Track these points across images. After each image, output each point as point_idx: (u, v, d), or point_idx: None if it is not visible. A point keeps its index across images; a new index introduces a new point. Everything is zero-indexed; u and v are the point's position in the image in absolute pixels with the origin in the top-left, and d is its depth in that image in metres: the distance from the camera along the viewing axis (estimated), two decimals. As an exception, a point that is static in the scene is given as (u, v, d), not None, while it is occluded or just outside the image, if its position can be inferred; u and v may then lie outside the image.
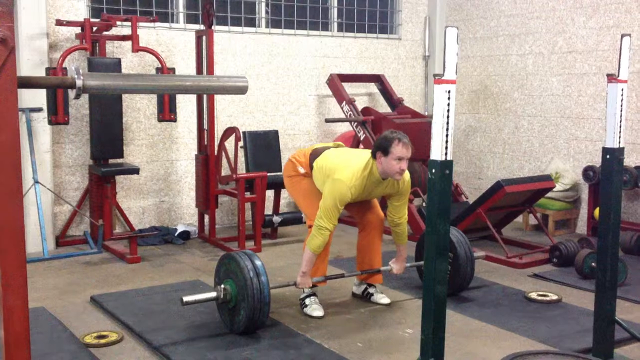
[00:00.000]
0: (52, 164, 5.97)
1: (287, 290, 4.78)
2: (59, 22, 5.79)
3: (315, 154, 4.41)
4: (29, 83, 2.37)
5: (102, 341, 3.85)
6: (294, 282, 4.25)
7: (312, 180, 4.39)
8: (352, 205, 4.47)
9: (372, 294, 4.61)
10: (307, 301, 4.37)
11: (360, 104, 7.16)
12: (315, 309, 4.31)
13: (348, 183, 4.07)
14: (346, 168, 4.13)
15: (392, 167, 4.04)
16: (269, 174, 6.18)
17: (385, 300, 4.56)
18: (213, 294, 3.92)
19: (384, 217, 4.55)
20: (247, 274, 3.80)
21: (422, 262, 4.34)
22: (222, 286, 3.91)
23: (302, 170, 4.45)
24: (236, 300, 3.85)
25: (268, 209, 6.58)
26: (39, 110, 5.73)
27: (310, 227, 4.26)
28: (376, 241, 4.57)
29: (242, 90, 2.79)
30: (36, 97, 5.61)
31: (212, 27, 6.03)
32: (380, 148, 4.05)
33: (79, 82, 2.30)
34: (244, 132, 6.43)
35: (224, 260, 4.02)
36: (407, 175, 4.28)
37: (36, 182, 5.65)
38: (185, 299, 3.83)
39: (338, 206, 4.09)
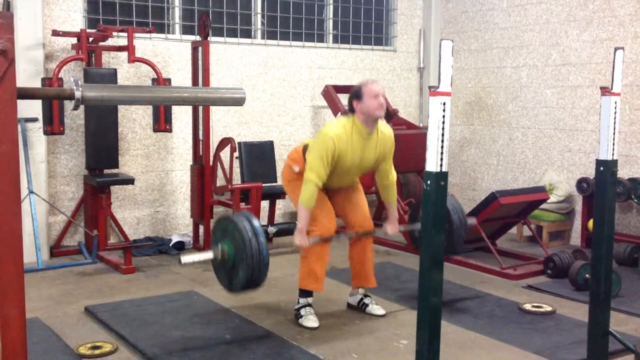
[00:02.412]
0: (47, 174, 5.97)
1: (282, 300, 4.79)
2: (55, 33, 5.81)
3: (306, 147, 4.42)
4: (28, 94, 2.39)
5: (97, 352, 3.84)
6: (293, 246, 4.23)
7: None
8: (343, 201, 4.45)
9: (367, 305, 4.59)
10: (302, 312, 4.36)
11: (355, 115, 7.18)
12: (310, 320, 4.31)
13: (330, 133, 4.10)
14: (329, 124, 4.25)
15: (370, 105, 4.08)
16: (264, 185, 6.19)
17: (380, 311, 4.55)
18: (211, 255, 3.77)
19: (373, 225, 4.55)
20: (245, 234, 3.64)
21: (417, 225, 4.41)
22: (220, 246, 3.75)
23: (297, 169, 4.39)
24: (234, 260, 3.70)
25: (263, 220, 6.58)
26: (35, 120, 5.73)
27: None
28: (368, 249, 4.57)
29: (239, 102, 2.81)
30: (31, 107, 5.62)
31: (208, 38, 6.06)
32: (354, 96, 4.16)
33: (77, 94, 2.31)
34: (239, 143, 6.45)
35: (221, 222, 3.87)
36: (389, 130, 4.34)
37: (31, 192, 5.65)
38: (184, 259, 3.69)
39: (323, 158, 4.07)
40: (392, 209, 4.53)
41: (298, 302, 4.41)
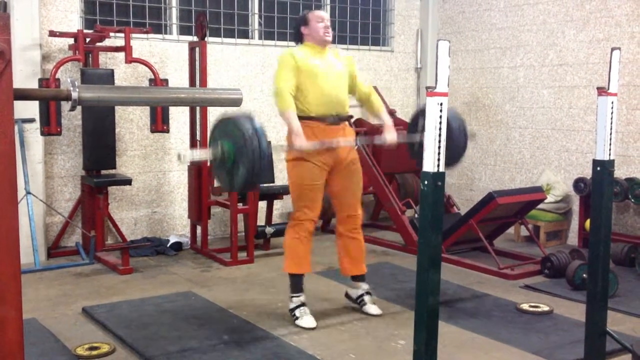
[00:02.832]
0: (44, 174, 5.96)
1: (280, 301, 4.78)
2: (52, 33, 5.80)
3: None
4: (25, 95, 2.38)
5: (94, 353, 3.84)
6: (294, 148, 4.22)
7: (304, 168, 4.32)
8: (340, 182, 4.42)
9: (365, 303, 4.58)
10: (297, 312, 4.36)
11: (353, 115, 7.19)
12: (306, 320, 4.30)
13: (284, 51, 4.33)
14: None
15: (317, 29, 4.31)
16: (261, 185, 6.19)
17: (376, 311, 4.55)
18: (209, 154, 3.71)
19: (359, 221, 4.53)
20: (244, 129, 3.61)
21: (417, 136, 4.30)
22: (220, 145, 3.66)
23: (287, 147, 4.37)
24: (234, 157, 3.63)
25: (261, 220, 6.58)
26: (32, 121, 5.73)
27: (292, 219, 4.37)
28: (357, 240, 4.54)
29: (236, 103, 2.81)
30: (29, 108, 5.62)
31: (206, 39, 6.06)
32: (300, 23, 4.39)
33: (74, 95, 2.31)
34: (236, 143, 6.43)
35: (219, 123, 3.79)
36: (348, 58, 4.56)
37: (28, 192, 5.64)
38: (183, 154, 3.68)
39: (285, 67, 4.24)
40: (383, 115, 4.52)
41: (291, 301, 4.40)
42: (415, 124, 4.62)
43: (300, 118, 4.28)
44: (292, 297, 4.41)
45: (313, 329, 4.26)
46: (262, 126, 3.64)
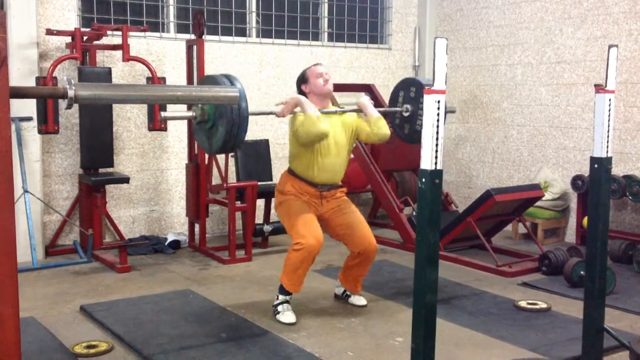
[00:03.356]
0: (41, 173, 5.95)
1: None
2: (49, 32, 5.79)
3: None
4: (21, 93, 2.37)
5: (92, 351, 3.84)
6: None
7: (290, 201, 4.40)
8: (341, 226, 4.47)
9: (349, 295, 4.73)
10: (279, 308, 4.40)
11: (351, 113, 7.18)
12: (287, 316, 4.34)
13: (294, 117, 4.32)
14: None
15: (317, 84, 4.39)
16: (259, 183, 6.19)
17: (361, 301, 4.68)
18: (191, 113, 3.76)
19: (377, 247, 4.55)
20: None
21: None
22: (200, 105, 3.73)
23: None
24: (214, 118, 3.68)
25: (259, 218, 6.58)
26: (29, 119, 5.72)
27: (295, 244, 4.29)
28: (367, 266, 4.62)
29: (233, 101, 2.80)
30: (26, 106, 5.60)
31: (203, 37, 6.05)
32: (301, 82, 4.47)
33: (70, 93, 2.31)
34: (234, 142, 6.42)
35: (202, 82, 3.89)
36: (352, 115, 4.53)
37: (26, 191, 5.64)
38: (164, 114, 3.70)
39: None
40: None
41: (277, 298, 4.44)
42: (396, 98, 4.90)
43: (294, 175, 4.44)
44: (279, 295, 4.47)
45: (293, 324, 4.28)
46: (243, 89, 3.66)
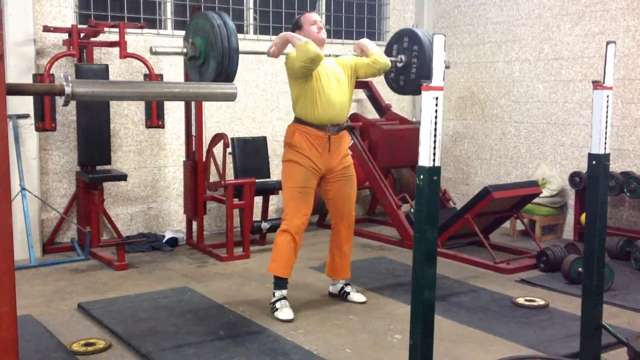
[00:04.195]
0: (39, 170, 5.94)
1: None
2: (46, 29, 5.78)
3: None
4: (18, 90, 2.37)
5: (90, 349, 3.84)
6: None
7: (295, 170, 4.40)
8: (336, 193, 4.52)
9: (348, 293, 4.73)
10: (277, 305, 4.41)
11: (348, 110, 7.18)
12: (284, 313, 4.35)
13: (290, 55, 4.31)
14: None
15: (311, 31, 4.41)
16: (257, 180, 6.18)
17: (361, 298, 4.69)
18: (184, 49, 3.84)
19: (354, 220, 4.66)
20: (214, 22, 3.71)
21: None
22: (191, 41, 3.81)
23: (288, 144, 4.48)
24: (205, 54, 3.74)
25: (256, 215, 6.58)
26: (26, 116, 5.71)
27: (283, 220, 4.41)
28: (345, 243, 4.67)
29: (231, 98, 2.79)
30: (23, 104, 5.59)
31: (200, 34, 6.03)
32: (295, 28, 4.47)
33: (67, 90, 2.30)
34: (232, 139, 6.43)
35: (192, 20, 3.93)
36: (348, 56, 4.58)
37: (23, 189, 5.62)
38: (155, 48, 3.74)
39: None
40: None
41: (273, 295, 4.47)
42: (390, 52, 4.96)
43: (300, 123, 4.45)
44: (275, 291, 4.49)
45: (291, 320, 4.30)
46: (234, 26, 3.76)
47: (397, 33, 5.09)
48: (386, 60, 4.54)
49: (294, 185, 4.41)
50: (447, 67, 5.48)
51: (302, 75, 4.30)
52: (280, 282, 4.46)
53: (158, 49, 3.79)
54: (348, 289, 4.75)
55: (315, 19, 4.46)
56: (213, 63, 3.69)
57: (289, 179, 4.44)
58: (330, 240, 4.72)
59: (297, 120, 4.49)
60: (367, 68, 4.52)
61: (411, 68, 4.82)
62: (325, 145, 4.42)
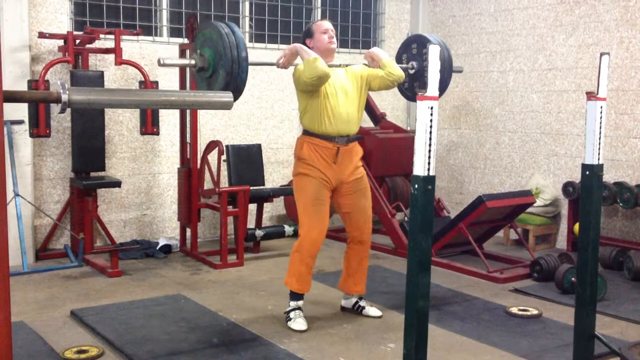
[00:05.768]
0: (33, 176, 5.93)
1: (270, 304, 4.78)
2: (42, 35, 5.77)
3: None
4: (14, 97, 2.37)
5: (83, 356, 3.82)
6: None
7: (307, 182, 4.33)
8: (350, 205, 4.45)
9: (363, 307, 4.61)
10: (291, 315, 4.38)
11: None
12: (298, 323, 4.31)
13: (299, 67, 4.25)
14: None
15: (322, 40, 4.34)
16: (251, 188, 6.18)
17: (377, 312, 4.59)
18: (192, 61, 3.78)
19: (370, 232, 4.58)
20: (222, 31, 3.68)
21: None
22: (199, 52, 3.76)
23: (299, 158, 4.39)
24: (214, 65, 3.69)
25: (251, 223, 6.57)
26: (20, 122, 5.70)
27: (299, 236, 4.33)
28: (365, 257, 4.59)
29: (227, 106, 2.80)
30: (18, 110, 5.59)
31: (196, 41, 6.04)
32: (306, 36, 4.41)
33: (64, 97, 2.30)
34: (227, 146, 6.43)
35: (201, 31, 3.88)
36: (359, 67, 4.51)
37: (16, 194, 5.61)
38: (163, 60, 3.70)
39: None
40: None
41: (289, 305, 4.43)
42: (400, 62, 4.93)
43: (308, 135, 4.37)
44: (290, 302, 4.44)
45: (304, 331, 4.26)
46: (242, 35, 3.74)
47: (404, 43, 5.03)
48: (400, 72, 4.42)
49: (307, 198, 4.32)
50: (460, 71, 5.50)
51: (308, 90, 4.24)
52: (296, 295, 4.43)
53: (166, 61, 3.73)
54: (363, 303, 4.64)
55: (326, 27, 4.37)
56: (222, 72, 3.64)
57: (301, 192, 4.35)
58: (346, 254, 4.60)
59: (305, 133, 4.40)
60: (381, 81, 4.41)
61: (424, 72, 4.78)
62: (333, 156, 4.33)
